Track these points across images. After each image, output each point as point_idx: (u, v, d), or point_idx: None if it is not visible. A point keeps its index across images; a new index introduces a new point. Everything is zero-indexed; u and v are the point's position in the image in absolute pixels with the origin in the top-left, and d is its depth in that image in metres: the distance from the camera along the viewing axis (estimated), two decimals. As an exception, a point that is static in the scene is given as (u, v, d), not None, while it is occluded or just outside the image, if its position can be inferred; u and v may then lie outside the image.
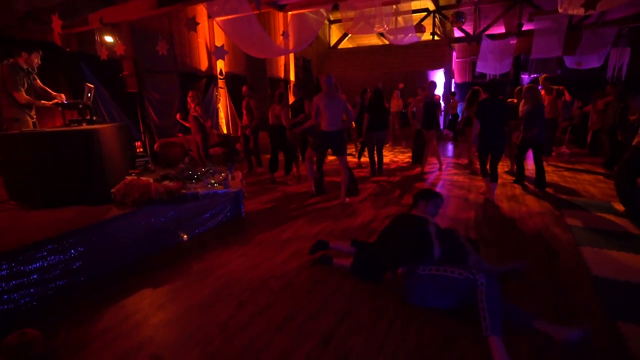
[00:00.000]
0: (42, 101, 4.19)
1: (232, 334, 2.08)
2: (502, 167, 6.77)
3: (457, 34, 13.14)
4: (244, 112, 6.50)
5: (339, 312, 2.28)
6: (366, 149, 7.55)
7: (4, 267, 2.26)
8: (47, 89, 4.30)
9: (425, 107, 6.42)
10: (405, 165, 7.38)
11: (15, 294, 2.29)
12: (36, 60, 4.14)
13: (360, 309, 2.31)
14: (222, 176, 4.19)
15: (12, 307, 2.26)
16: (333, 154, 4.75)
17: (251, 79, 9.67)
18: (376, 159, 6.37)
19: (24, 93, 3.96)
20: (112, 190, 3.38)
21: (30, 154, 3.24)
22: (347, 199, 4.76)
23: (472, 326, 2.08)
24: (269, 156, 6.07)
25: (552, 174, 6.10)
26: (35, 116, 4.25)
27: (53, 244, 2.52)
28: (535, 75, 12.30)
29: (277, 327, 2.13)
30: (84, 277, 2.68)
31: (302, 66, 12.45)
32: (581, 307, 2.29)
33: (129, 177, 3.64)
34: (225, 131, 8.93)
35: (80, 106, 4.03)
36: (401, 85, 11.68)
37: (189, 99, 5.96)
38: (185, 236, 3.52)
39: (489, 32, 11.46)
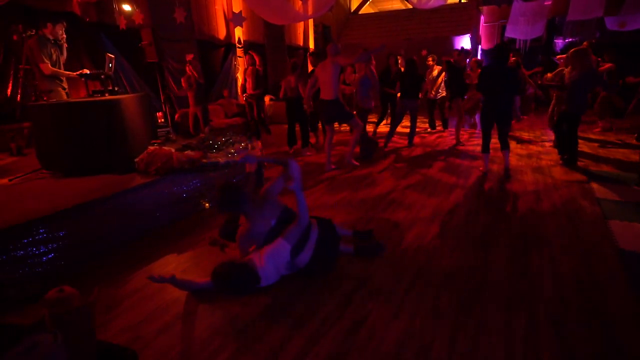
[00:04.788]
0: (67, 72, 4.26)
1: (251, 298, 2.17)
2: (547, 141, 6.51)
3: (487, -5, 12.27)
4: (248, 79, 6.52)
5: (355, 278, 2.32)
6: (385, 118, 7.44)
7: (41, 231, 2.40)
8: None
9: (452, 73, 6.15)
10: (424, 134, 7.21)
11: (50, 256, 2.44)
12: (60, 31, 4.16)
13: (378, 274, 2.35)
14: (242, 146, 4.22)
15: (48, 268, 2.42)
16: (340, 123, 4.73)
17: (269, 47, 9.48)
18: (391, 130, 6.22)
19: (49, 64, 4.03)
20: (136, 160, 3.48)
21: (57, 124, 3.35)
22: (354, 162, 4.72)
23: (490, 292, 2.10)
24: (286, 126, 6.05)
25: (582, 145, 5.80)
26: (67, 87, 4.34)
27: (83, 210, 2.64)
28: (570, 40, 11.44)
29: (296, 293, 2.20)
30: (112, 242, 2.82)
31: (322, 33, 12.06)
32: (605, 279, 2.25)
33: (151, 147, 3.72)
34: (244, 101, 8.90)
35: (102, 77, 4.09)
36: (424, 53, 11.18)
37: (188, 67, 5.68)
38: (207, 204, 3.62)
39: (521, -8, 10.64)
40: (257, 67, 6.64)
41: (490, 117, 4.33)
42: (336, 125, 4.76)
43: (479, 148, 5.86)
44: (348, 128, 6.32)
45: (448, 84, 6.39)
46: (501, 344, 1.74)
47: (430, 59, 6.93)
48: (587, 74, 4.35)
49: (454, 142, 6.29)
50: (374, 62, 5.83)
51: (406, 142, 6.29)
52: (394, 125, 6.12)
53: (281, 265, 2.26)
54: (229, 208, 2.34)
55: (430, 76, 6.96)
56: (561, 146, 4.99)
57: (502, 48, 4.31)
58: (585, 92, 4.50)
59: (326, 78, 4.43)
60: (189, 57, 5.80)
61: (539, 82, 6.19)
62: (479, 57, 12.88)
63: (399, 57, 6.96)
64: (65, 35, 4.22)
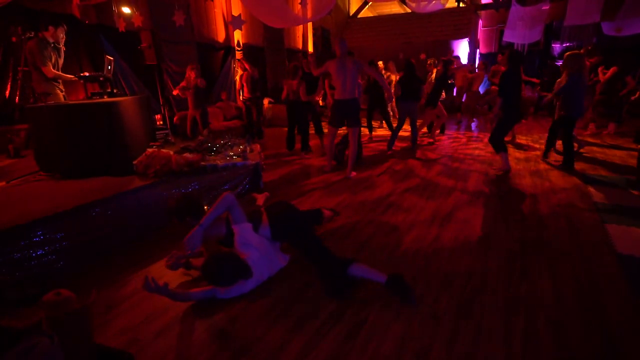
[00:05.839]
0: (68, 75, 4.27)
1: (250, 300, 2.16)
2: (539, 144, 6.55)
3: (484, 0, 12.38)
4: (245, 84, 6.60)
5: (355, 281, 2.31)
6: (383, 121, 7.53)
7: (40, 232, 2.39)
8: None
9: (437, 83, 6.25)
10: (423, 137, 7.23)
11: (49, 257, 2.42)
12: (61, 35, 4.18)
13: (376, 279, 2.34)
14: (241, 149, 4.23)
15: (46, 270, 2.40)
16: (346, 125, 4.64)
17: (269, 50, 9.51)
18: (397, 132, 6.24)
19: (51, 67, 4.04)
20: (134, 162, 3.47)
21: (55, 126, 3.34)
22: (353, 173, 4.69)
23: (489, 294, 2.10)
24: (285, 129, 6.06)
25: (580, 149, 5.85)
26: (64, 89, 4.35)
27: (81, 212, 2.64)
28: (567, 44, 11.54)
29: (294, 296, 2.19)
30: (111, 243, 2.81)
31: (321, 36, 12.12)
32: (604, 282, 2.25)
33: (150, 149, 3.72)
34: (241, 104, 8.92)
35: (101, 79, 4.09)
36: (423, 56, 11.25)
37: (188, 70, 5.70)
38: (205, 207, 3.61)
39: (519, -4, 10.74)
40: (250, 73, 6.72)
41: (515, 119, 4.62)
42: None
43: (477, 152, 5.91)
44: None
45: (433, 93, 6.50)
46: (500, 346, 1.74)
47: (429, 62, 6.97)
48: (581, 78, 4.52)
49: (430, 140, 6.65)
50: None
51: (404, 145, 6.31)
52: (397, 129, 6.14)
53: (258, 245, 2.28)
54: (188, 215, 2.41)
55: (430, 79, 7.02)
56: (548, 148, 5.29)
57: (517, 53, 4.59)
58: (580, 95, 4.61)
59: (347, 76, 4.31)
60: (191, 66, 5.79)
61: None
62: (477, 60, 12.98)
63: (379, 62, 7.11)
64: (64, 38, 4.23)
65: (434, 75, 6.98)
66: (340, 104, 4.46)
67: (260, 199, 3.31)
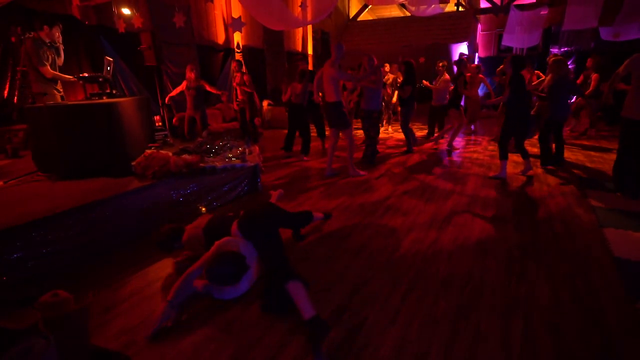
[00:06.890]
0: (67, 76, 4.25)
1: (248, 302, 2.16)
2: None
3: (483, 4, 12.46)
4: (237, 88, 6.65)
5: (353, 283, 2.31)
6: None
7: (36, 233, 2.38)
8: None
9: (455, 84, 6.25)
10: (420, 140, 7.25)
11: (46, 259, 2.42)
12: (57, 34, 4.15)
13: (374, 280, 2.35)
14: (240, 150, 4.23)
15: (44, 271, 2.40)
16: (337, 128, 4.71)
17: (269, 52, 9.53)
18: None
19: (49, 67, 4.02)
20: (133, 163, 3.46)
21: (54, 127, 3.33)
22: (360, 172, 4.77)
23: (487, 298, 2.10)
24: (284, 131, 6.06)
25: (577, 153, 5.87)
26: (62, 90, 4.33)
27: (80, 213, 2.63)
28: (566, 49, 11.60)
29: (293, 297, 2.19)
30: (109, 245, 2.80)
31: (320, 39, 12.15)
32: (602, 286, 2.26)
33: (148, 151, 3.71)
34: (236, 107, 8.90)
35: (100, 80, 4.08)
36: (422, 60, 11.28)
37: (187, 71, 5.67)
38: (203, 209, 3.61)
39: (517, 1, 10.81)
40: (244, 78, 6.77)
41: (526, 121, 4.56)
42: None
43: (475, 155, 5.93)
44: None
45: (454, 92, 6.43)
46: (498, 350, 1.74)
47: (440, 64, 6.81)
48: (563, 82, 4.69)
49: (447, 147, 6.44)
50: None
51: (404, 147, 6.32)
52: (404, 128, 6.17)
53: (241, 244, 2.29)
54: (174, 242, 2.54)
55: (438, 81, 6.88)
56: (545, 157, 5.08)
57: (519, 58, 4.53)
58: (564, 99, 4.77)
59: (326, 79, 4.38)
60: (190, 66, 5.78)
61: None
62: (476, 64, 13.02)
63: (386, 65, 7.10)
64: (61, 37, 4.21)
65: (443, 78, 6.83)
66: (325, 105, 4.67)
67: (274, 195, 3.35)
